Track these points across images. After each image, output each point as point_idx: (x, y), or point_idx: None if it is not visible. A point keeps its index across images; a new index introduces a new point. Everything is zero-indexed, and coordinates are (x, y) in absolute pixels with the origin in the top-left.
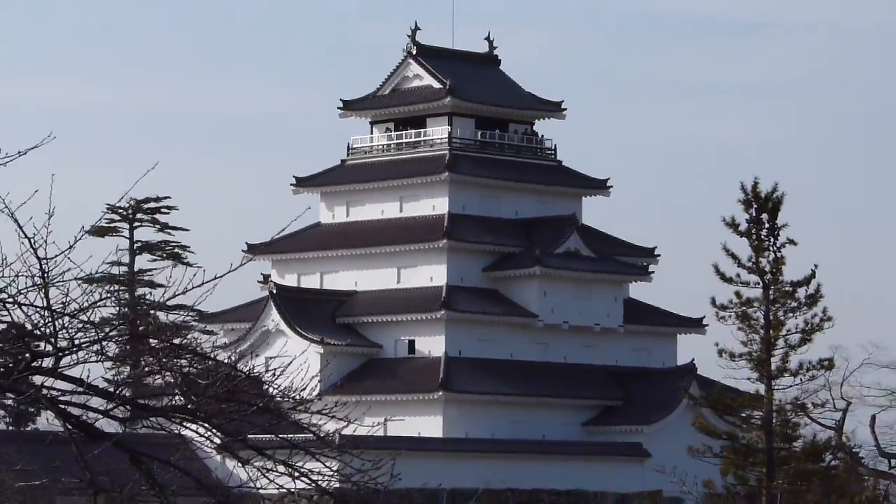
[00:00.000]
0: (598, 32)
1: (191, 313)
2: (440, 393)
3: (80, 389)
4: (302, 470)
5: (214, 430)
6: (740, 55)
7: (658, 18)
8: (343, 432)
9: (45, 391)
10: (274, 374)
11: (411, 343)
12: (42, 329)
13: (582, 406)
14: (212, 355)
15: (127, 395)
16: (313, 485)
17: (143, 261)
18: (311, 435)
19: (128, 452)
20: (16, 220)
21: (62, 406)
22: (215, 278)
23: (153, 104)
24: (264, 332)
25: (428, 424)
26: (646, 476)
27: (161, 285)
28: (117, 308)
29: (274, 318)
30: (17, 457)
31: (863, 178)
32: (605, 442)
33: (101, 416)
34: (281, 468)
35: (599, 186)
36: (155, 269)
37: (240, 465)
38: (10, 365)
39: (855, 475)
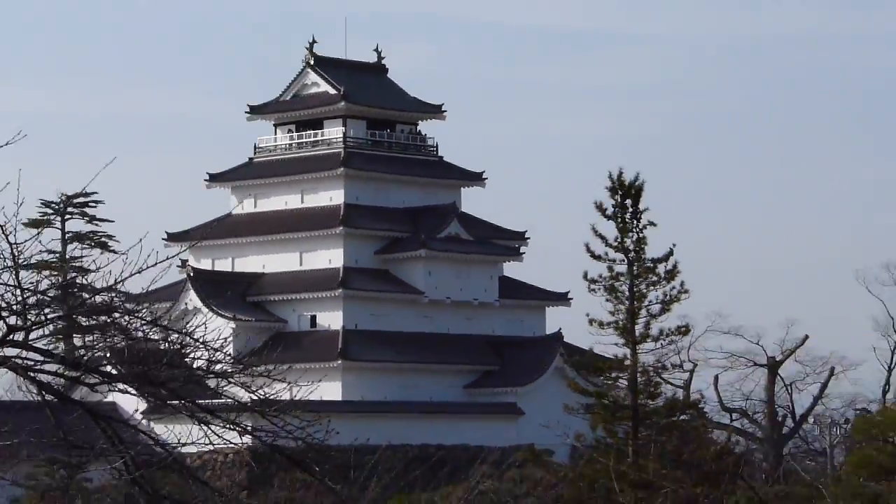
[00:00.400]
0: (475, 44)
1: (119, 295)
2: (339, 361)
3: (48, 360)
4: (247, 428)
5: (165, 394)
6: (598, 62)
7: (526, 31)
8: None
9: (18, 361)
10: (224, 343)
11: (313, 318)
12: (14, 306)
13: (463, 371)
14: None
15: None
16: (257, 441)
17: (75, 250)
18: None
19: (95, 415)
20: None
21: (32, 374)
22: (149, 267)
23: (87, 107)
24: (183, 311)
25: (328, 390)
26: (520, 431)
27: (90, 270)
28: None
29: (192, 298)
30: None
31: (710, 169)
32: (483, 402)
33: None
34: (228, 427)
35: (476, 179)
36: (85, 256)
37: (166, 427)
38: None
39: (704, 428)
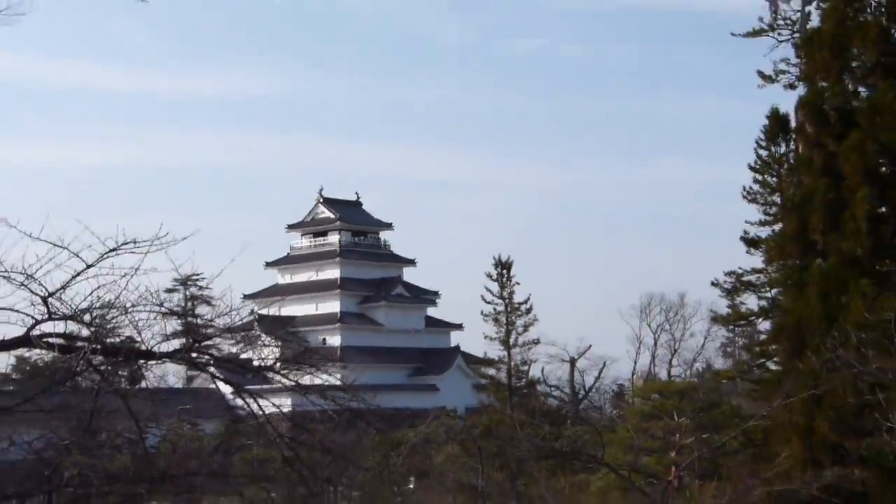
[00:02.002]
0: (408, 190)
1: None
2: (339, 363)
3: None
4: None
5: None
6: (464, 200)
7: (435, 181)
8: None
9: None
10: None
11: (324, 340)
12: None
13: (405, 367)
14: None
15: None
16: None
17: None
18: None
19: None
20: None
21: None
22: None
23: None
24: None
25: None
26: (437, 400)
27: (202, 316)
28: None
29: (258, 332)
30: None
31: (549, 247)
32: (417, 384)
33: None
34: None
35: (411, 263)
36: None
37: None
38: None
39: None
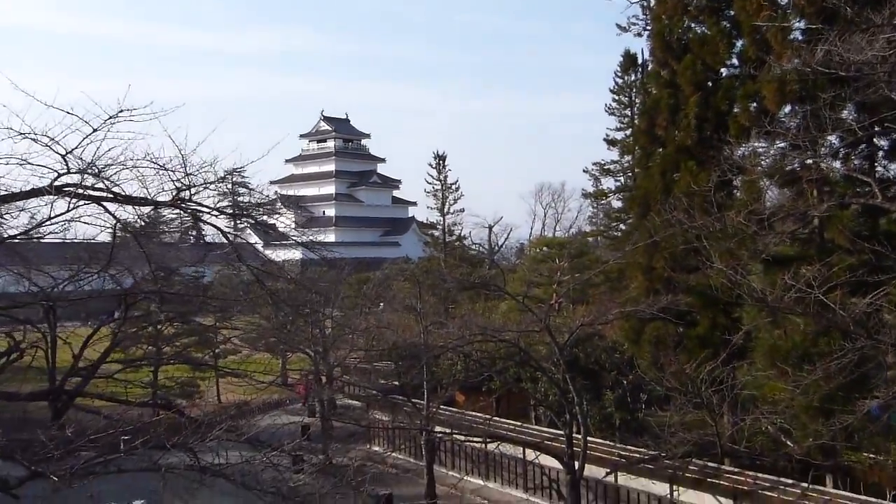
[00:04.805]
0: (378, 111)
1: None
2: (334, 227)
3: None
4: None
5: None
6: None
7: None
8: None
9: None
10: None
11: (324, 211)
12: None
13: (378, 230)
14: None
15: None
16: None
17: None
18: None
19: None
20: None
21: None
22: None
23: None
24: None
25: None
26: (400, 252)
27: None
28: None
29: (281, 206)
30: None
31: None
32: (386, 241)
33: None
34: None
35: (382, 160)
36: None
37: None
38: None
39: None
